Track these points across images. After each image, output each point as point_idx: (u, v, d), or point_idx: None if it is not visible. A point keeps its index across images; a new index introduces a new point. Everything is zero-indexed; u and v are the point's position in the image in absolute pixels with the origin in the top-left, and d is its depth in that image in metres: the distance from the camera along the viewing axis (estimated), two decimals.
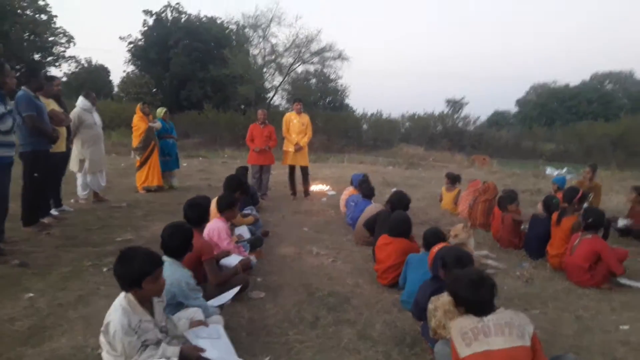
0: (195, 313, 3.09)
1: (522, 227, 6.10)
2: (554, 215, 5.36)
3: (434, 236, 4.00)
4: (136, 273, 2.53)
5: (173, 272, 3.10)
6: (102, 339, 2.58)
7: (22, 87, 5.63)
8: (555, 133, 36.64)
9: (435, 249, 3.52)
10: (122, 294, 2.62)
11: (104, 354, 2.63)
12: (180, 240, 3.28)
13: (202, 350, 2.67)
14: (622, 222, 6.68)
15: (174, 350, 2.58)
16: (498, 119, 58.45)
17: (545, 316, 3.95)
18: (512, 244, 5.98)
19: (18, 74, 5.73)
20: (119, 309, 2.53)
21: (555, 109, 53.38)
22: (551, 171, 17.51)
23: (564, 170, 18.12)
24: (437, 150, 27.65)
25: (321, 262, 5.27)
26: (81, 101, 7.43)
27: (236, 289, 3.65)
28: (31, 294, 3.91)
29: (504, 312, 2.51)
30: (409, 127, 35.78)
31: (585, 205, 5.76)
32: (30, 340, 3.15)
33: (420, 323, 3.39)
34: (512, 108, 62.25)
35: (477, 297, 2.50)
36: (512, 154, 30.35)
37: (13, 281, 4.20)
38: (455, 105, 37.37)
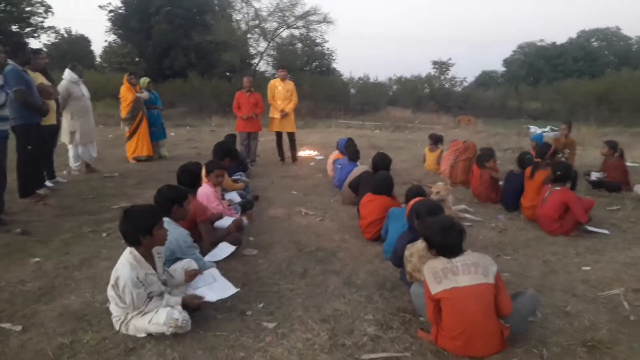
0: (189, 263, 3.38)
1: (499, 182, 6.43)
2: (528, 170, 5.68)
3: (416, 193, 4.30)
4: (146, 224, 2.81)
5: (172, 231, 3.35)
6: (110, 292, 2.87)
7: (10, 62, 5.71)
8: (540, 92, 36.83)
9: (412, 202, 3.81)
10: (127, 251, 2.89)
11: (112, 307, 2.92)
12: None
13: (201, 297, 2.97)
14: (595, 175, 7.05)
15: (176, 300, 2.88)
16: (485, 80, 58.38)
17: (516, 261, 4.30)
18: (490, 198, 6.33)
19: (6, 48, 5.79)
20: (127, 264, 2.80)
21: (541, 68, 53.41)
22: (534, 129, 17.84)
23: (547, 128, 18.46)
24: (424, 112, 27.77)
25: (309, 221, 5.57)
26: (68, 73, 7.51)
27: (232, 248, 3.93)
28: (37, 259, 4.16)
29: (471, 254, 2.82)
30: (397, 90, 35.74)
31: (561, 158, 6.10)
32: (42, 298, 3.42)
33: (399, 270, 3.71)
34: (500, 68, 62.10)
35: (447, 241, 2.81)
36: (498, 114, 30.60)
37: (18, 248, 4.45)
38: (442, 66, 37.16)
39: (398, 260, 3.57)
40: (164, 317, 2.76)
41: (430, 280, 2.76)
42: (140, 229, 2.82)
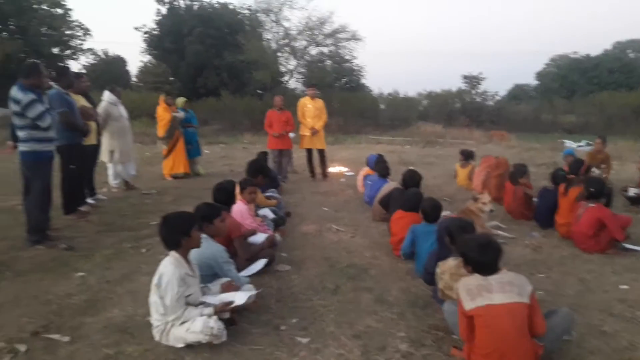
0: (227, 279, 3.55)
1: (533, 199, 6.36)
2: (561, 186, 5.61)
3: (433, 209, 4.37)
4: (184, 226, 3.07)
5: (209, 246, 3.51)
6: (152, 297, 3.04)
7: (54, 85, 6.05)
8: (575, 105, 35.99)
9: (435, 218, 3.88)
10: (168, 256, 3.10)
11: (153, 316, 3.06)
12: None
13: (230, 303, 3.11)
14: (632, 191, 6.89)
15: (209, 310, 3.01)
16: (518, 93, 57.47)
17: (550, 279, 4.26)
18: (524, 215, 6.26)
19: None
20: (169, 264, 3.02)
21: (576, 81, 52.19)
22: (570, 144, 17.45)
23: (583, 142, 18.03)
24: (455, 127, 27.49)
25: (340, 237, 5.63)
26: (108, 95, 7.86)
27: (264, 261, 4.05)
28: (81, 273, 4.36)
29: (506, 273, 2.83)
30: (427, 105, 35.57)
31: (597, 173, 6.00)
32: (87, 311, 3.60)
33: (432, 287, 3.73)
34: (533, 81, 61.05)
35: (484, 258, 2.83)
36: (531, 128, 29.95)
37: (63, 262, 4.67)
38: (473, 81, 36.86)
39: (430, 277, 3.60)
40: (200, 325, 2.88)
41: (464, 297, 2.78)
42: (179, 231, 3.07)
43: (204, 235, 3.53)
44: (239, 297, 3.21)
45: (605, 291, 3.98)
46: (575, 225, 5.09)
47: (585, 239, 4.93)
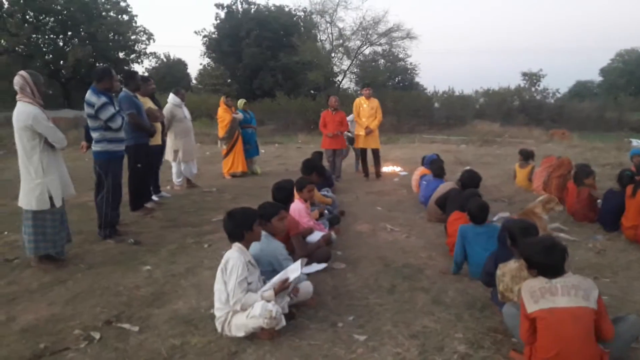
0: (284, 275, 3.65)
1: (598, 201, 6.08)
2: (629, 188, 5.34)
3: (480, 210, 4.30)
4: (248, 220, 3.31)
5: (269, 244, 3.64)
6: (216, 286, 3.23)
7: (123, 89, 6.42)
8: None
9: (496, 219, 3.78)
10: (233, 246, 3.30)
11: (216, 306, 3.23)
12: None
13: (286, 280, 3.26)
14: None
15: (270, 294, 3.15)
16: (581, 90, 54.70)
17: (616, 284, 4.07)
18: (587, 217, 6.00)
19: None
20: (235, 251, 3.23)
21: None
22: (637, 143, 16.43)
23: None
24: (513, 125, 26.51)
25: (395, 237, 5.63)
26: (172, 98, 8.25)
27: (325, 265, 4.11)
28: (148, 267, 4.62)
29: (572, 277, 2.75)
30: (484, 103, 34.43)
31: None
32: (154, 303, 3.81)
33: (490, 289, 3.68)
34: (596, 78, 57.88)
35: (550, 261, 2.76)
36: (595, 127, 28.38)
37: (131, 256, 4.96)
38: (533, 78, 35.39)
39: (489, 279, 3.54)
40: (259, 309, 3.00)
41: (527, 299, 2.73)
42: (243, 225, 3.29)
43: (264, 233, 3.67)
44: (292, 272, 3.37)
45: None
46: None
47: None
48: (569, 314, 2.60)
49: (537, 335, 2.70)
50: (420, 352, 2.96)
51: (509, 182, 8.80)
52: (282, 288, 3.22)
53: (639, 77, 49.51)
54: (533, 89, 34.26)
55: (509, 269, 3.25)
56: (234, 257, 3.17)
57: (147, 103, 7.05)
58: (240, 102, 10.30)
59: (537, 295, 2.70)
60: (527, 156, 8.44)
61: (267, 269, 3.65)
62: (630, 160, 7.79)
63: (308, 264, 4.36)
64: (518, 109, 31.64)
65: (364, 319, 3.45)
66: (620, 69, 53.89)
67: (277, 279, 3.36)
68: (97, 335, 3.24)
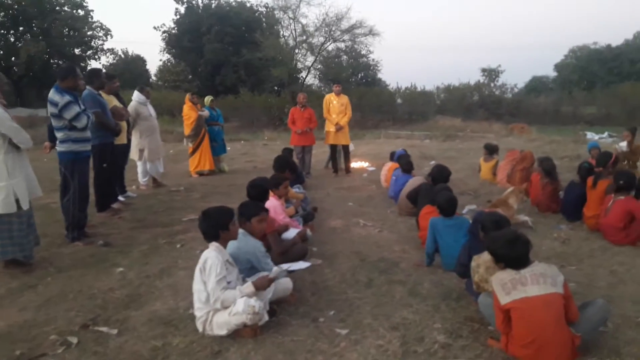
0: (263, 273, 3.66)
1: (560, 192, 6.35)
2: (589, 179, 5.61)
3: (449, 203, 4.43)
4: (224, 220, 3.26)
5: (247, 242, 3.63)
6: (195, 286, 3.19)
7: (87, 87, 6.22)
8: (596, 96, 35.33)
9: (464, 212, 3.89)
10: (209, 246, 3.27)
11: (196, 306, 3.20)
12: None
13: (270, 277, 3.28)
14: None
15: (247, 286, 3.16)
16: (536, 85, 56.75)
17: (581, 272, 4.28)
18: (551, 208, 6.27)
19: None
20: (212, 251, 3.19)
21: (596, 72, 51.29)
22: (591, 136, 17.22)
23: (605, 134, 17.78)
24: (474, 120, 27.21)
25: (368, 232, 5.71)
26: (137, 95, 8.06)
27: (309, 263, 4.10)
28: (121, 269, 4.51)
29: (538, 265, 2.89)
30: (445, 98, 35.17)
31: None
32: (131, 305, 3.74)
33: (464, 280, 3.79)
34: (551, 73, 60.10)
35: (514, 253, 2.89)
36: (551, 121, 29.54)
37: (102, 258, 4.84)
38: (491, 73, 36.42)
39: (463, 270, 3.65)
40: (242, 305, 2.99)
41: (499, 292, 2.84)
42: (219, 224, 3.25)
43: (241, 231, 3.65)
44: (272, 272, 3.42)
45: (638, 283, 3.99)
46: (605, 217, 5.09)
47: (615, 231, 4.94)
48: (541, 301, 2.73)
49: (512, 325, 2.82)
50: (401, 343, 3.02)
51: (473, 176, 9.06)
52: (262, 284, 3.22)
53: (590, 72, 51.71)
54: (492, 85, 35.25)
55: (483, 260, 3.36)
56: (212, 256, 3.14)
57: (112, 101, 6.86)
58: (207, 99, 10.17)
59: (509, 287, 2.81)
60: (491, 150, 8.71)
61: (246, 266, 3.64)
62: (589, 152, 8.17)
63: (286, 261, 4.38)
64: (478, 104, 32.50)
65: (345, 313, 3.50)
66: (573, 64, 56.11)
67: (256, 276, 3.38)
68: (74, 340, 3.15)
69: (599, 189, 5.41)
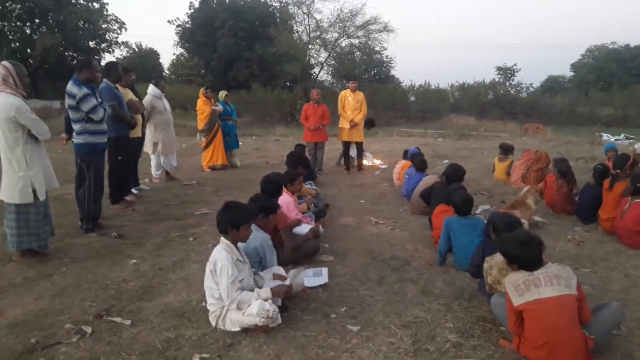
0: (278, 269, 3.73)
1: (575, 193, 6.29)
2: (606, 182, 5.54)
3: (465, 202, 4.41)
4: (238, 220, 3.23)
5: (256, 235, 3.65)
6: (207, 282, 3.20)
7: (104, 80, 6.28)
8: (613, 97, 34.84)
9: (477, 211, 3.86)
10: (220, 243, 3.26)
11: (209, 302, 3.23)
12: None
13: (289, 286, 3.29)
14: None
15: (265, 290, 3.16)
16: (552, 85, 56.16)
17: (595, 274, 4.24)
18: (565, 210, 6.20)
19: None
20: (222, 250, 3.18)
21: (613, 72, 50.54)
22: (608, 137, 16.98)
23: (622, 136, 17.54)
24: (488, 119, 26.94)
25: (380, 230, 5.70)
26: (152, 89, 8.11)
27: (326, 279, 4.03)
28: (134, 260, 4.57)
29: (551, 266, 2.87)
30: (459, 96, 34.92)
31: None
32: (144, 296, 3.78)
33: (477, 280, 3.78)
34: (568, 73, 59.39)
35: (527, 254, 2.87)
36: (567, 121, 29.21)
37: (115, 250, 4.89)
38: (507, 72, 36.08)
39: (477, 270, 3.64)
40: (256, 308, 3.00)
41: (512, 293, 2.83)
42: (231, 222, 3.22)
43: (253, 225, 3.67)
44: (293, 284, 3.42)
45: None
46: (620, 220, 5.03)
47: (631, 234, 4.88)
48: (555, 303, 2.71)
49: (525, 326, 2.81)
50: (413, 341, 3.02)
51: (487, 176, 8.98)
52: (280, 291, 3.23)
53: (608, 73, 50.97)
54: (507, 84, 34.91)
55: (496, 262, 3.34)
56: (222, 257, 3.13)
57: (128, 94, 6.92)
58: (222, 93, 10.21)
59: (522, 288, 2.80)
60: (507, 150, 8.63)
61: (255, 260, 3.71)
62: (605, 154, 8.06)
63: (298, 257, 4.41)
64: (492, 103, 32.24)
65: (356, 310, 3.50)
66: (590, 64, 55.36)
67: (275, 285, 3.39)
68: (88, 329, 3.20)
69: (615, 192, 5.34)
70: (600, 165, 6.01)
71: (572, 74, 58.40)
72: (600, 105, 33.38)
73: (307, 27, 31.96)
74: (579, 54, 58.90)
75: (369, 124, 10.25)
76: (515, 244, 2.91)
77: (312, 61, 33.58)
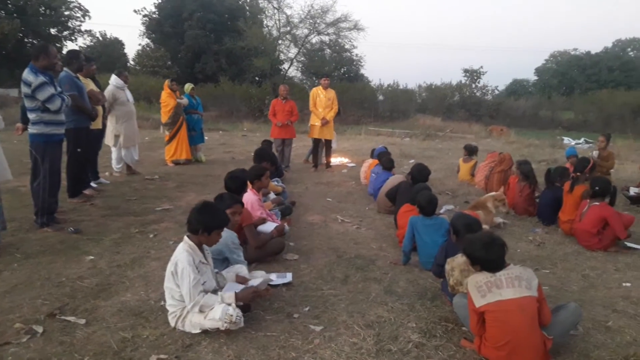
0: (240, 269, 3.62)
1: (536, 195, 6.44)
2: (567, 184, 5.69)
3: (429, 203, 4.45)
4: (212, 224, 3.12)
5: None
6: (167, 284, 3.09)
7: (65, 68, 6.02)
8: (574, 102, 36.08)
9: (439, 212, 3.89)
10: (182, 242, 3.16)
11: (168, 302, 3.12)
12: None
13: (254, 290, 3.20)
14: (633, 190, 6.98)
15: (230, 295, 3.06)
16: (517, 88, 57.63)
17: (554, 275, 4.34)
18: (527, 211, 6.34)
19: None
20: (183, 251, 3.07)
21: (575, 77, 52.37)
22: (568, 141, 17.55)
23: (581, 140, 18.16)
24: (454, 120, 27.47)
25: (346, 228, 5.68)
26: (114, 79, 7.84)
27: (290, 278, 3.97)
28: (91, 257, 4.39)
29: (513, 268, 2.90)
30: (426, 97, 35.42)
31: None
32: (100, 294, 3.63)
33: (440, 280, 3.80)
34: (532, 77, 61.17)
35: (490, 256, 2.89)
36: (530, 124, 30.07)
37: (72, 246, 4.70)
38: (473, 74, 36.72)
39: (440, 270, 3.65)
40: (219, 313, 2.92)
41: (474, 294, 2.84)
42: (204, 224, 3.10)
43: None
44: (255, 281, 3.35)
45: (609, 288, 4.07)
46: (579, 223, 5.17)
47: (589, 236, 5.02)
48: (516, 305, 2.74)
49: (486, 327, 2.83)
50: (376, 341, 3.00)
51: (451, 176, 9.11)
52: (245, 295, 3.15)
53: (570, 78, 52.76)
54: (473, 86, 35.59)
55: (457, 263, 3.36)
56: (182, 259, 3.02)
57: (89, 85, 6.68)
58: (188, 86, 9.98)
59: (484, 289, 2.81)
60: (471, 151, 8.76)
61: (217, 257, 3.61)
62: (567, 159, 8.29)
63: (263, 256, 4.34)
64: (458, 104, 32.85)
65: (320, 309, 3.46)
66: (553, 69, 57.22)
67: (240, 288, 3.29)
68: (39, 329, 3.04)
69: (575, 194, 5.49)
70: (551, 168, 6.22)
71: (536, 78, 60.26)
72: (562, 110, 34.58)
73: (277, 22, 31.68)
74: (543, 58, 60.87)
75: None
76: (478, 245, 2.92)
77: (282, 57, 33.41)
